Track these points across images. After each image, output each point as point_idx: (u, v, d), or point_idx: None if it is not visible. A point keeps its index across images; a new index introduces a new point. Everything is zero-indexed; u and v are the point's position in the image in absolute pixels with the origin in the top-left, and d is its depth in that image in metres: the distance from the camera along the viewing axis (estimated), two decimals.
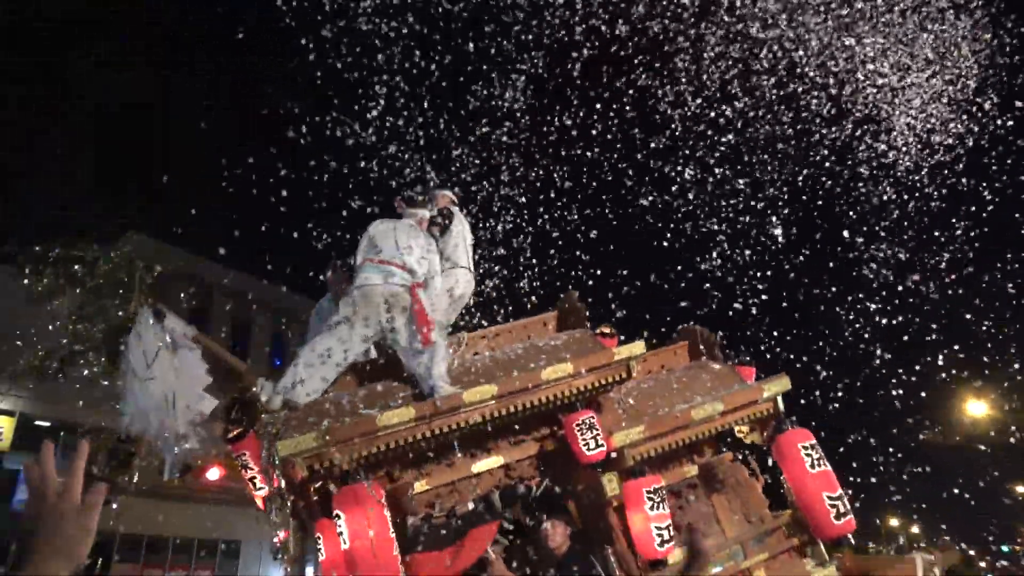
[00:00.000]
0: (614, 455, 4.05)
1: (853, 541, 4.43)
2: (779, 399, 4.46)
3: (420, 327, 4.02)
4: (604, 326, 4.48)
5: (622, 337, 4.53)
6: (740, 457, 4.64)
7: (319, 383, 3.97)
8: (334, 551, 4.13)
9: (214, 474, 19.47)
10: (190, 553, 20.52)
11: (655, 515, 3.95)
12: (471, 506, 4.17)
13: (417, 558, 3.86)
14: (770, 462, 4.47)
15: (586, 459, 3.96)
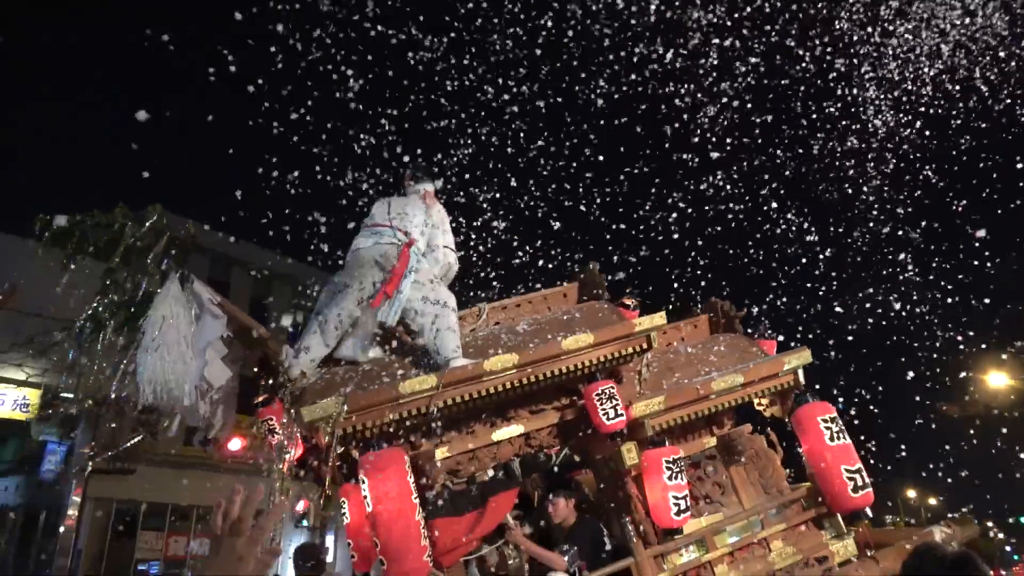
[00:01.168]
0: (634, 425, 4.08)
1: (871, 514, 4.44)
2: (800, 372, 4.45)
3: (384, 287, 4.02)
4: (625, 298, 4.48)
5: (642, 308, 4.52)
6: (759, 429, 4.65)
7: (322, 349, 4.05)
8: (359, 515, 4.23)
9: (235, 445, 19.85)
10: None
11: (673, 485, 3.98)
12: (491, 474, 4.22)
13: (438, 523, 3.92)
14: (789, 435, 4.49)
15: (606, 429, 3.99)
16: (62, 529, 17.88)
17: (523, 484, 4.66)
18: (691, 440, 4.48)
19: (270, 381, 4.16)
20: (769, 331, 4.75)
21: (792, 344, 4.71)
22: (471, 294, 5.11)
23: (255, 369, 4.35)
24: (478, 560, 4.34)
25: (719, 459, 4.48)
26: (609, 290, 4.69)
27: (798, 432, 4.24)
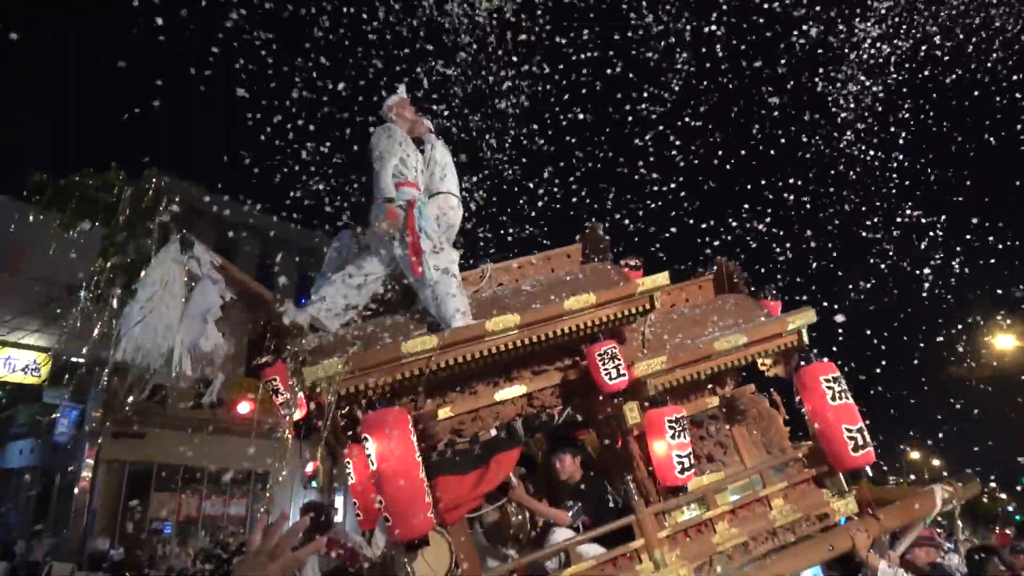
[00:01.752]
0: (636, 385, 4.09)
1: (872, 474, 4.46)
2: (804, 332, 4.44)
3: (410, 257, 4.01)
4: (629, 258, 4.45)
5: (647, 270, 4.50)
6: (762, 389, 4.66)
7: (339, 300, 4.06)
8: (363, 474, 4.28)
9: (244, 407, 20.13)
10: (226, 483, 21.39)
11: (676, 443, 4.00)
12: (493, 433, 4.25)
13: (442, 481, 3.97)
14: (792, 396, 4.49)
15: (608, 388, 4.00)
16: (76, 491, 18.26)
17: (527, 444, 4.70)
18: (694, 400, 4.49)
19: (273, 342, 4.17)
20: (774, 292, 4.73)
21: (798, 304, 4.68)
22: (476, 255, 5.08)
23: (258, 331, 4.36)
24: (481, 519, 4.40)
25: (721, 419, 4.50)
26: (613, 251, 4.66)
27: (801, 391, 4.24)
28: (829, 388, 4.12)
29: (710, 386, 4.55)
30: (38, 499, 18.83)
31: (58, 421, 18.07)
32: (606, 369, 3.99)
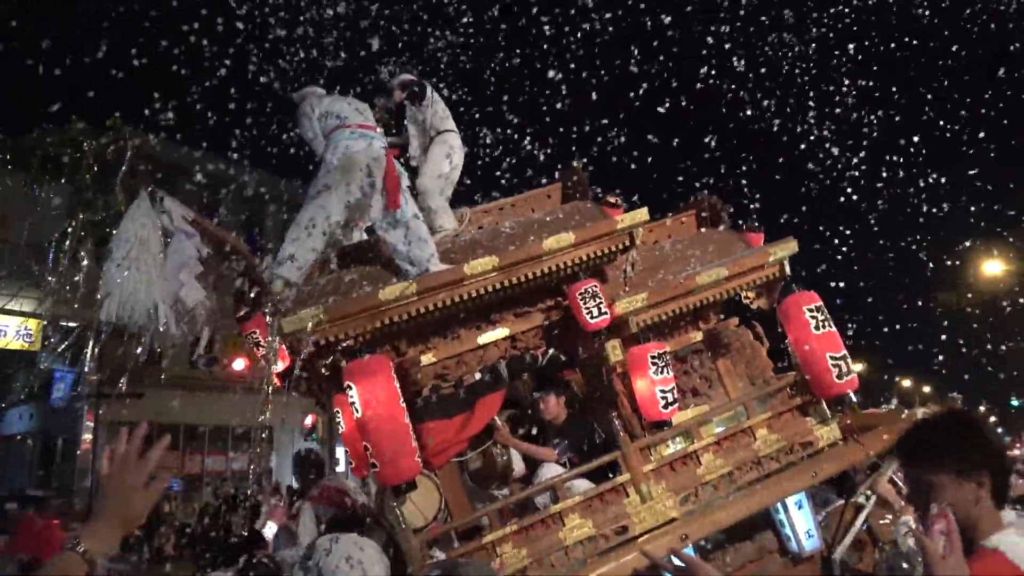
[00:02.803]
0: (618, 323, 4.08)
1: (861, 402, 4.51)
2: (786, 263, 4.42)
3: (388, 189, 3.93)
4: (609, 196, 4.39)
5: (628, 207, 4.44)
6: (746, 322, 4.66)
7: (309, 254, 3.90)
8: (352, 423, 4.29)
9: (239, 365, 20.23)
10: (226, 440, 21.68)
11: (660, 379, 4.01)
12: (478, 377, 4.26)
13: (428, 425, 3.99)
14: (775, 327, 4.50)
15: (590, 327, 3.99)
16: (79, 453, 18.46)
17: (513, 386, 4.72)
18: (678, 335, 4.49)
19: (252, 295, 4.12)
20: (756, 224, 4.69)
21: (783, 235, 4.65)
22: (456, 200, 5.02)
23: (236, 285, 4.31)
24: (467, 462, 4.44)
25: (705, 353, 4.51)
26: (594, 189, 4.60)
27: (784, 322, 4.24)
28: (812, 318, 4.12)
29: (693, 321, 4.54)
30: (40, 463, 19.04)
31: (54, 385, 18.14)
32: (588, 308, 3.98)
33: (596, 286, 4.00)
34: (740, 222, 4.82)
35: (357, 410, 3.56)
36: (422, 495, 3.73)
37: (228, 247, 4.16)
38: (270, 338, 3.86)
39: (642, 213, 4.07)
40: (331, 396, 4.57)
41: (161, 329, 3.91)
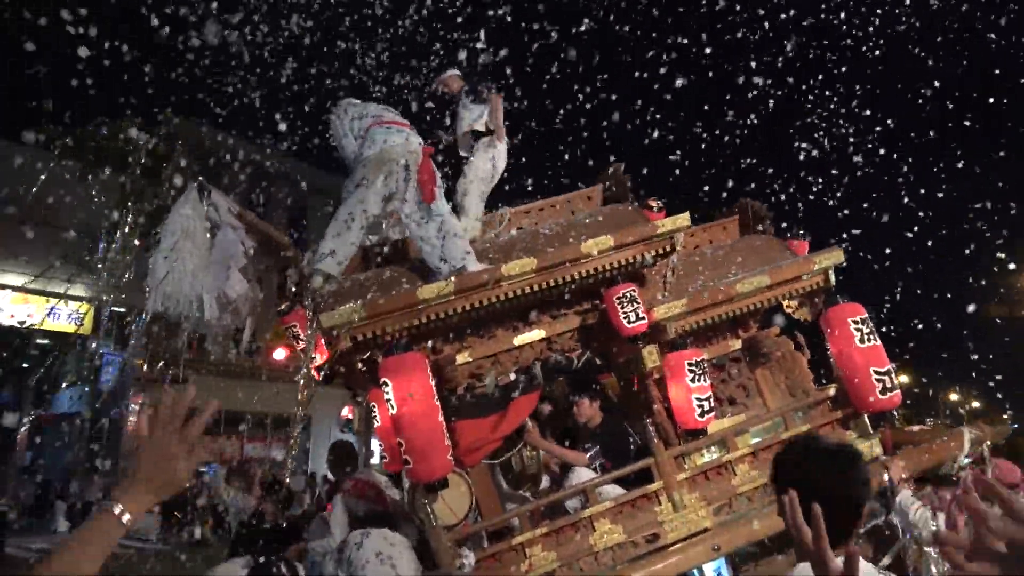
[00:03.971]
0: (655, 328, 4.04)
1: (905, 415, 4.38)
2: (831, 272, 4.31)
3: (423, 183, 3.96)
4: (651, 200, 4.34)
5: (669, 211, 4.39)
6: (786, 332, 4.56)
7: (349, 248, 3.98)
8: (387, 418, 4.33)
9: (280, 354, 20.62)
10: (265, 427, 22.14)
11: (696, 387, 3.97)
12: (512, 377, 4.26)
13: (461, 425, 4.00)
14: (817, 338, 4.40)
15: (627, 332, 3.95)
16: (124, 435, 19.02)
17: (548, 388, 4.71)
18: (716, 343, 4.42)
19: (293, 288, 4.20)
20: (801, 232, 4.58)
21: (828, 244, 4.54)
22: (494, 200, 5.02)
23: (278, 278, 4.39)
24: (501, 465, 4.44)
25: (744, 361, 4.44)
26: (635, 192, 4.55)
27: (827, 334, 4.14)
28: (858, 330, 4.02)
29: (733, 328, 4.47)
30: (88, 443, 19.68)
31: (102, 369, 18.73)
32: (624, 313, 3.94)
33: (634, 290, 3.96)
34: (784, 227, 4.72)
35: (392, 406, 3.58)
36: (453, 493, 3.75)
37: (272, 241, 4.24)
38: (309, 332, 3.93)
39: (684, 218, 4.02)
40: (367, 391, 4.62)
41: (206, 319, 4.02)
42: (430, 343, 4.07)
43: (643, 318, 3.92)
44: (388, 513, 4.14)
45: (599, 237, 3.93)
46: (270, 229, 4.30)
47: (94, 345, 18.36)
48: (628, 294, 3.95)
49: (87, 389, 20.02)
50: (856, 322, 4.04)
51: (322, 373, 4.38)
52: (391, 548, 3.68)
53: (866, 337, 4.03)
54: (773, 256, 4.47)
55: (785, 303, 4.52)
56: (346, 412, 20.01)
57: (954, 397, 36.80)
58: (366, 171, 4.05)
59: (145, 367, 18.83)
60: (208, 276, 3.99)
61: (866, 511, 1.85)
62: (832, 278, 4.32)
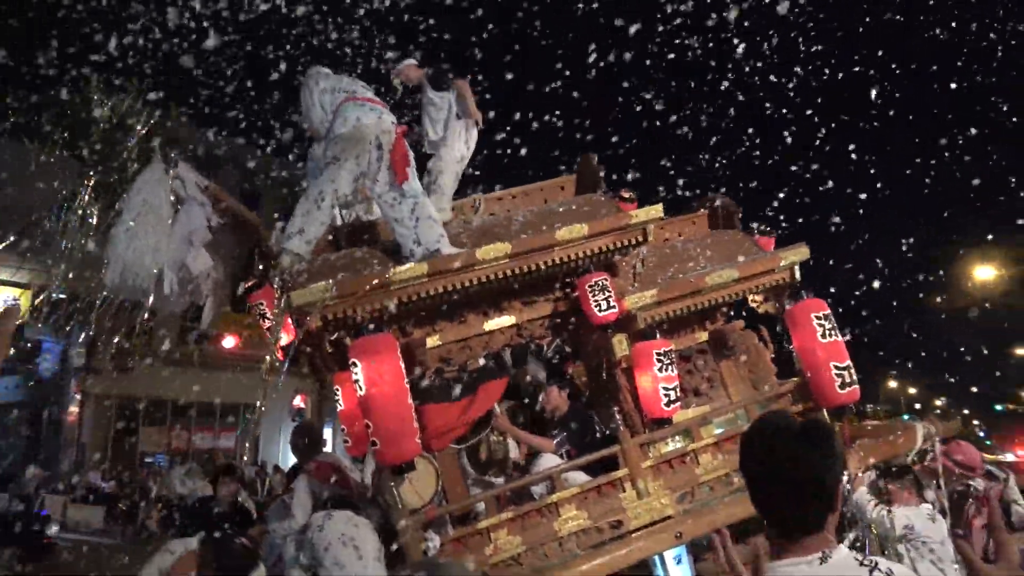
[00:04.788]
0: (626, 318, 4.08)
1: (855, 409, 4.51)
2: (796, 268, 4.42)
3: (396, 163, 3.91)
4: (623, 191, 4.38)
5: (640, 203, 4.43)
6: (751, 326, 4.66)
7: (318, 228, 3.91)
8: (352, 401, 4.27)
9: (229, 342, 20.17)
10: (214, 416, 21.63)
11: (663, 376, 4.02)
12: (482, 363, 4.25)
13: (429, 408, 3.97)
14: (778, 333, 4.50)
15: (597, 320, 3.98)
16: (65, 425, 18.35)
17: (515, 375, 4.71)
18: (683, 334, 4.49)
19: (260, 267, 4.10)
20: (768, 229, 4.69)
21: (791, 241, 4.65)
22: (465, 187, 5.01)
23: (245, 256, 4.29)
24: (468, 450, 4.42)
25: (710, 353, 4.51)
26: (608, 184, 4.59)
27: (791, 328, 4.23)
28: (820, 325, 4.11)
29: (700, 321, 4.54)
30: (27, 434, 18.91)
31: (41, 356, 17.99)
32: (596, 301, 3.97)
33: (606, 279, 3.99)
34: (752, 225, 4.81)
35: (361, 387, 3.53)
36: (420, 477, 3.71)
37: (239, 218, 4.14)
38: (277, 310, 3.84)
39: (657, 209, 4.07)
40: (331, 374, 4.55)
41: (164, 294, 3.89)
42: (400, 326, 4.03)
43: (614, 307, 3.96)
44: (352, 495, 4.09)
45: (573, 225, 3.95)
46: (239, 206, 4.20)
47: (32, 333, 17.65)
48: (600, 282, 3.98)
49: (23, 378, 19.20)
50: (819, 317, 4.13)
51: (287, 354, 4.28)
52: (355, 530, 3.63)
53: (828, 332, 4.13)
54: (741, 251, 4.56)
55: (750, 298, 4.62)
56: (298, 401, 19.71)
57: (892, 384, 38.13)
58: (337, 149, 3.98)
59: (86, 355, 18.22)
60: (170, 251, 3.86)
61: (841, 491, 1.76)
62: (797, 274, 4.43)
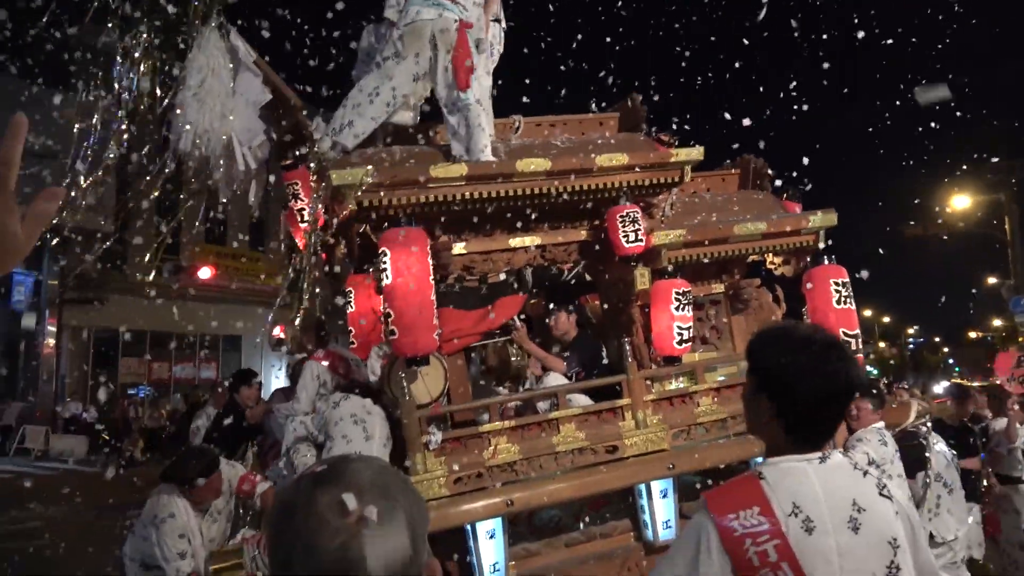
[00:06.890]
0: (651, 253, 4.13)
1: None
2: (822, 233, 4.49)
3: (458, 69, 3.81)
4: (663, 134, 4.41)
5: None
6: (767, 286, 4.74)
7: (368, 123, 3.84)
8: (365, 303, 4.29)
9: (205, 273, 20.01)
10: (194, 348, 21.52)
11: (679, 315, 4.09)
12: (502, 277, 4.29)
13: (446, 312, 4.01)
14: (792, 297, 4.58)
15: (624, 251, 4.03)
16: (42, 357, 18.17)
17: (531, 295, 4.76)
18: (701, 284, 4.56)
19: (299, 150, 4.08)
20: (796, 193, 4.74)
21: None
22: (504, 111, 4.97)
23: (285, 136, 4.26)
24: (482, 357, 4.48)
25: (723, 305, 4.59)
26: (650, 127, 4.60)
27: (807, 291, 4.29)
28: (836, 291, 4.19)
29: (718, 272, 4.61)
30: (3, 368, 18.65)
31: (13, 289, 17.69)
32: (625, 232, 4.01)
33: (637, 212, 4.03)
34: (779, 186, 4.87)
35: (388, 277, 3.54)
36: (430, 374, 3.76)
37: (282, 96, 4.13)
38: (315, 190, 3.84)
39: (698, 151, 4.11)
40: (351, 269, 4.54)
41: (238, 162, 3.88)
42: (429, 227, 4.04)
43: (642, 240, 4.00)
44: (358, 386, 4.14)
45: (614, 153, 3.99)
46: (282, 84, 4.17)
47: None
48: (631, 214, 4.02)
49: None
50: (837, 283, 4.21)
51: (309, 241, 4.28)
52: (367, 415, 3.70)
53: (843, 299, 4.21)
54: (768, 212, 4.62)
55: (769, 258, 4.69)
56: (277, 331, 19.65)
57: (867, 313, 38.83)
58: (397, 45, 3.93)
59: (59, 287, 17.98)
60: (235, 116, 3.84)
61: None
62: (823, 238, 4.51)
